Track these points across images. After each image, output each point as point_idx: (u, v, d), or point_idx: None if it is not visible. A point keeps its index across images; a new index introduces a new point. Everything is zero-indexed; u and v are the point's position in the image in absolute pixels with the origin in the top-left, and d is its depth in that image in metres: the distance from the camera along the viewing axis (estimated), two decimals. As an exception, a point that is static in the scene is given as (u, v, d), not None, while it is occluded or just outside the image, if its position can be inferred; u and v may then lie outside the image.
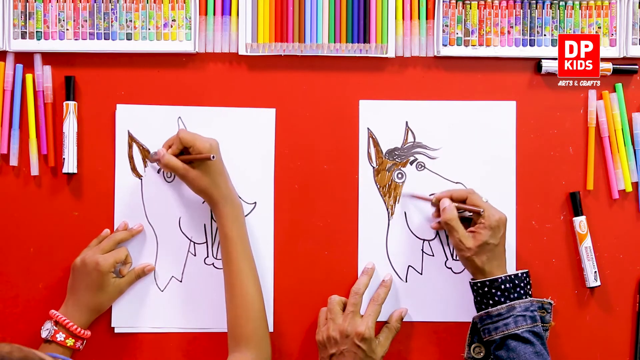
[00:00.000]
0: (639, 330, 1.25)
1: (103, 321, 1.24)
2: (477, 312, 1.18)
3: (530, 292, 1.18)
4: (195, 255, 1.26)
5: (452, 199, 1.21)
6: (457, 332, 1.25)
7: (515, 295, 1.15)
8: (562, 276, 1.26)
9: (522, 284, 1.16)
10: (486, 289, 1.16)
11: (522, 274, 1.17)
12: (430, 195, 1.25)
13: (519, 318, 1.14)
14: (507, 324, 1.14)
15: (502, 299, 1.15)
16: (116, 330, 1.25)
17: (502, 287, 1.15)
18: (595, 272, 1.24)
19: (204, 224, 1.26)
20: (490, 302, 1.16)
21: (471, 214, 1.20)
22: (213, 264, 1.26)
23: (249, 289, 1.17)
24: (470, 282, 1.19)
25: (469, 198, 1.20)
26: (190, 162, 1.18)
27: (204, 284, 1.26)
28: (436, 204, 1.24)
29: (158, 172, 1.26)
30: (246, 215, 1.25)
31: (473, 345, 1.20)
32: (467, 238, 1.17)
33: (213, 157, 1.15)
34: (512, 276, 1.16)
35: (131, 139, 1.26)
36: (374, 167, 1.27)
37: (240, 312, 1.16)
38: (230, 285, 1.17)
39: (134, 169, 1.26)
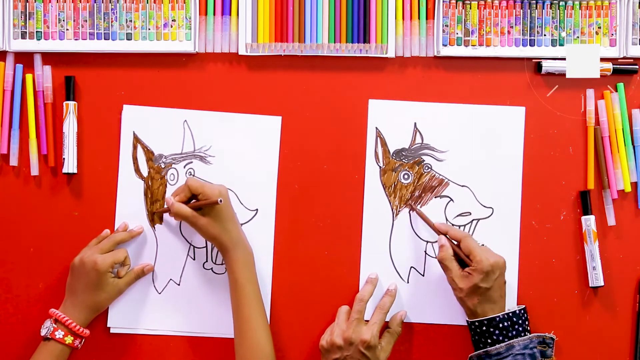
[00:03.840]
0: (639, 330, 1.25)
1: (99, 321, 1.24)
2: (475, 350, 1.18)
3: (528, 329, 1.17)
4: (194, 259, 1.26)
5: (449, 236, 1.21)
6: (456, 335, 1.25)
7: (514, 332, 1.15)
8: (563, 276, 1.26)
9: (519, 321, 1.16)
10: (484, 328, 1.15)
11: (519, 310, 1.17)
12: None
13: (518, 357, 1.13)
14: None
15: (501, 338, 1.15)
16: (112, 331, 1.25)
17: (500, 325, 1.15)
18: (601, 271, 1.24)
19: (204, 228, 1.26)
20: (489, 340, 1.15)
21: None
22: (212, 268, 1.26)
23: (260, 335, 1.16)
24: (467, 321, 1.19)
25: (462, 242, 1.19)
26: (200, 209, 1.18)
27: (202, 288, 1.25)
28: (436, 233, 1.23)
29: (161, 177, 1.26)
30: (247, 222, 1.25)
31: None
32: (460, 278, 1.17)
33: (220, 200, 1.15)
34: (510, 314, 1.15)
35: (136, 139, 1.26)
36: (380, 167, 1.26)
37: (250, 358, 1.15)
38: (240, 331, 1.17)
39: (137, 170, 1.26)
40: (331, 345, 1.18)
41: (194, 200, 1.19)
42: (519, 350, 1.14)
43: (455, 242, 1.21)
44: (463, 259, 1.18)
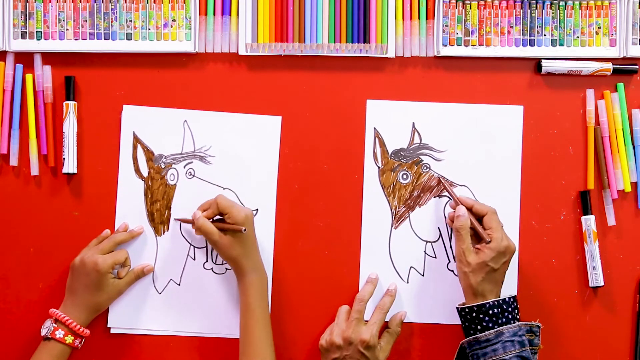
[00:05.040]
0: (639, 331, 1.25)
1: (99, 321, 1.24)
2: (465, 337, 1.17)
3: (518, 317, 1.17)
4: (194, 260, 1.26)
5: (472, 211, 1.21)
6: (456, 335, 1.25)
7: (504, 320, 1.15)
8: (562, 276, 1.26)
9: (510, 309, 1.16)
10: (474, 314, 1.15)
11: (509, 298, 1.16)
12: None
13: (507, 343, 1.13)
14: (495, 349, 1.13)
15: (491, 324, 1.14)
16: (112, 331, 1.25)
17: (490, 312, 1.14)
18: (601, 271, 1.24)
19: (205, 228, 1.26)
20: (479, 327, 1.15)
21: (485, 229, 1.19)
22: (212, 268, 1.26)
23: (265, 358, 1.16)
24: (457, 308, 1.18)
25: (487, 215, 1.19)
26: (222, 229, 1.18)
27: (202, 288, 1.25)
28: (454, 206, 1.23)
29: (161, 177, 1.26)
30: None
31: None
32: (470, 252, 1.17)
33: (244, 230, 1.16)
34: (500, 301, 1.15)
35: (136, 140, 1.26)
36: (379, 167, 1.26)
37: None
38: (245, 354, 1.17)
39: (137, 170, 1.26)
40: (330, 345, 1.18)
41: (218, 217, 1.20)
42: (508, 337, 1.13)
43: (477, 218, 1.20)
44: (479, 234, 1.18)
